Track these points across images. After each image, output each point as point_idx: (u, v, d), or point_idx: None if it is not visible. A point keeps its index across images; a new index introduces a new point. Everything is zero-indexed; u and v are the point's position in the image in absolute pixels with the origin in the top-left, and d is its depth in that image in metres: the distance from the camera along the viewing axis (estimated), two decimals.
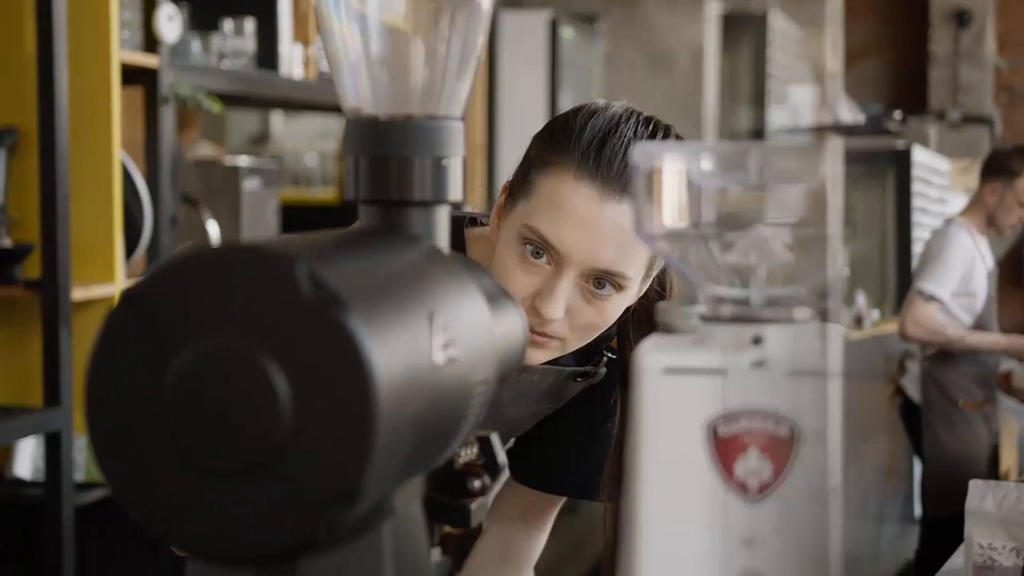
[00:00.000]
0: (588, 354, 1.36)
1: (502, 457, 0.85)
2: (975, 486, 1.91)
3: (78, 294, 2.51)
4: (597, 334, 1.27)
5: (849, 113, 5.89)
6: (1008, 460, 4.84)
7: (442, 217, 0.85)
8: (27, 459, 2.71)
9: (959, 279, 4.26)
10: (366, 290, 0.67)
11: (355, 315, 0.63)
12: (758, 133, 7.27)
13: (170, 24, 2.73)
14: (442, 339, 0.72)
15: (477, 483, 0.83)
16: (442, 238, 0.84)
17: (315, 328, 0.63)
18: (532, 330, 1.22)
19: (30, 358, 2.51)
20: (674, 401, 0.70)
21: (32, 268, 2.49)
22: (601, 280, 1.22)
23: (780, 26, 6.79)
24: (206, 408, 0.63)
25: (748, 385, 0.69)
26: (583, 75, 5.38)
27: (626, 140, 1.22)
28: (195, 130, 3.96)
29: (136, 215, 2.67)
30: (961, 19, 9.35)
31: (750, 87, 7.01)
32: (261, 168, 3.28)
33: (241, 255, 0.65)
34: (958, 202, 8.32)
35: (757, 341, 0.71)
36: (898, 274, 6.91)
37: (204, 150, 4.11)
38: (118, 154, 2.59)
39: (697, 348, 0.72)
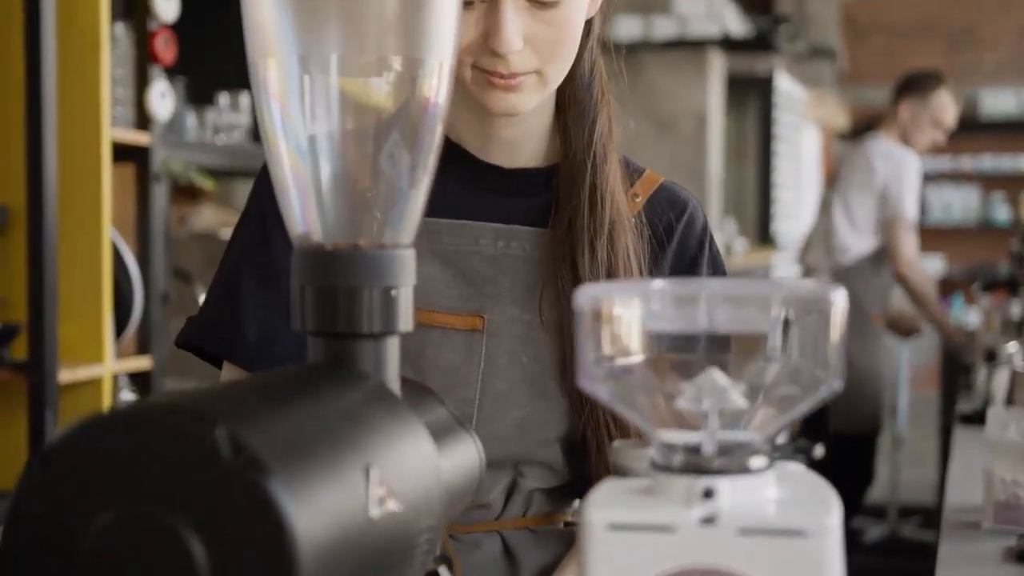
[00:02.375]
0: None
1: None
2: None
3: (65, 376, 2.48)
4: (570, 53, 1.20)
5: (737, 24, 5.87)
6: None
7: (392, 348, 0.82)
8: None
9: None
10: (294, 449, 0.64)
11: (277, 480, 0.60)
12: (764, 190, 7.32)
13: (163, 101, 2.73)
14: (380, 492, 0.69)
15: None
16: (391, 370, 0.82)
17: (235, 494, 0.60)
18: (500, 75, 1.16)
19: (15, 441, 2.48)
20: (621, 559, 0.67)
21: (19, 349, 2.47)
22: None
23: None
24: (123, 575, 0.61)
25: (699, 543, 0.66)
26: None
27: None
28: (204, 196, 3.95)
29: (126, 294, 2.65)
30: None
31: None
32: None
33: (160, 415, 0.62)
34: (812, 133, 8.46)
35: (708, 494, 0.67)
36: (759, 202, 7.03)
37: (210, 215, 4.10)
38: (108, 233, 2.57)
39: (646, 501, 0.69)
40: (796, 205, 8.08)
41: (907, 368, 5.96)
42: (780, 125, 7.22)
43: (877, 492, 6.04)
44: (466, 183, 1.27)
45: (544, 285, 1.24)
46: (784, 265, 7.50)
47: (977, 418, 2.88)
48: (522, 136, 1.27)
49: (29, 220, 2.45)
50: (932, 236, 10.03)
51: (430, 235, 1.24)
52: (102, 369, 2.59)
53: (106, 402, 2.60)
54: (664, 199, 1.31)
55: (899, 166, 4.43)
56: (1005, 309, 4.15)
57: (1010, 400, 2.80)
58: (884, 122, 4.62)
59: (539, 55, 1.17)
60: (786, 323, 0.69)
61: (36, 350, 2.42)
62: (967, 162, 9.90)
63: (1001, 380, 2.87)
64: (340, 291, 0.80)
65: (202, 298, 3.04)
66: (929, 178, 9.98)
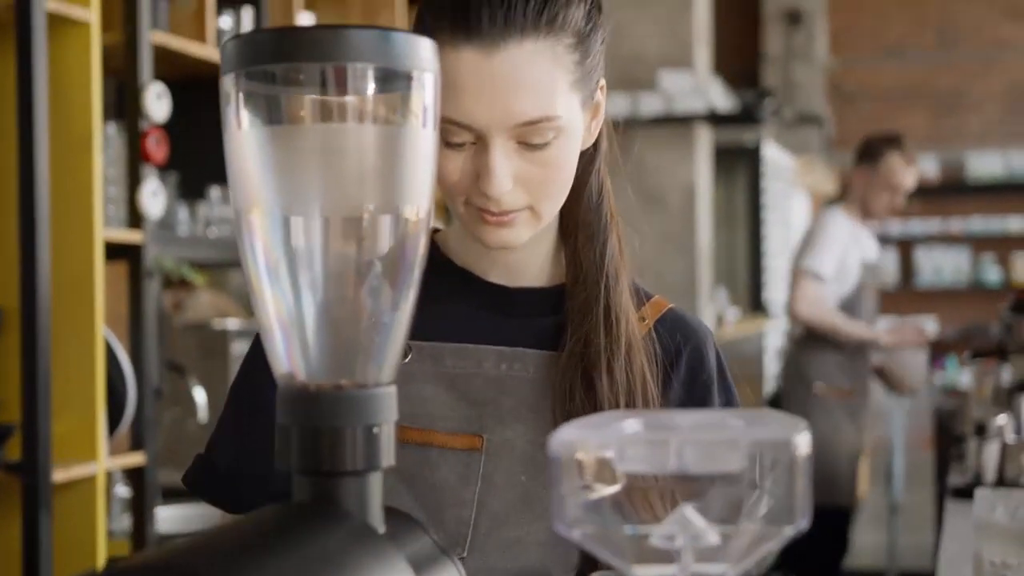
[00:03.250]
0: None
1: None
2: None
3: (60, 475, 2.49)
4: (562, 189, 1.19)
5: (723, 99, 5.91)
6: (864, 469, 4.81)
7: (375, 483, 0.84)
8: None
9: (836, 262, 4.39)
10: None
11: None
12: (754, 259, 7.37)
13: (154, 200, 2.77)
14: None
15: None
16: (374, 505, 0.84)
17: None
18: (492, 213, 1.16)
19: (10, 543, 2.49)
20: None
21: (13, 450, 2.49)
22: (532, 132, 1.13)
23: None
24: None
25: None
26: None
27: None
28: (198, 284, 3.97)
29: (120, 390, 2.67)
30: (793, 19, 9.52)
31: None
32: (251, 330, 3.29)
33: (143, 573, 0.64)
34: (801, 199, 8.54)
35: None
36: (750, 271, 7.08)
37: (206, 300, 4.12)
38: (101, 331, 2.60)
39: None
40: (787, 272, 8.12)
41: (902, 433, 5.97)
42: (769, 193, 7.29)
43: (875, 558, 6.03)
44: (471, 305, 1.27)
45: (556, 405, 1.22)
46: (775, 334, 7.53)
47: (968, 492, 2.88)
48: (525, 258, 1.28)
49: (23, 321, 2.48)
50: (923, 298, 10.09)
51: (435, 359, 1.24)
52: (96, 467, 2.60)
53: (100, 500, 2.61)
54: (671, 323, 1.30)
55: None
56: (997, 374, 4.17)
57: (1001, 474, 2.81)
58: (846, 198, 4.68)
59: (530, 193, 1.16)
60: (754, 466, 0.71)
61: (30, 451, 2.44)
62: (956, 224, 9.98)
63: (991, 453, 2.88)
64: (324, 431, 0.83)
65: (196, 390, 3.05)
66: (919, 240, 10.06)
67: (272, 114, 0.83)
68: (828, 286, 4.40)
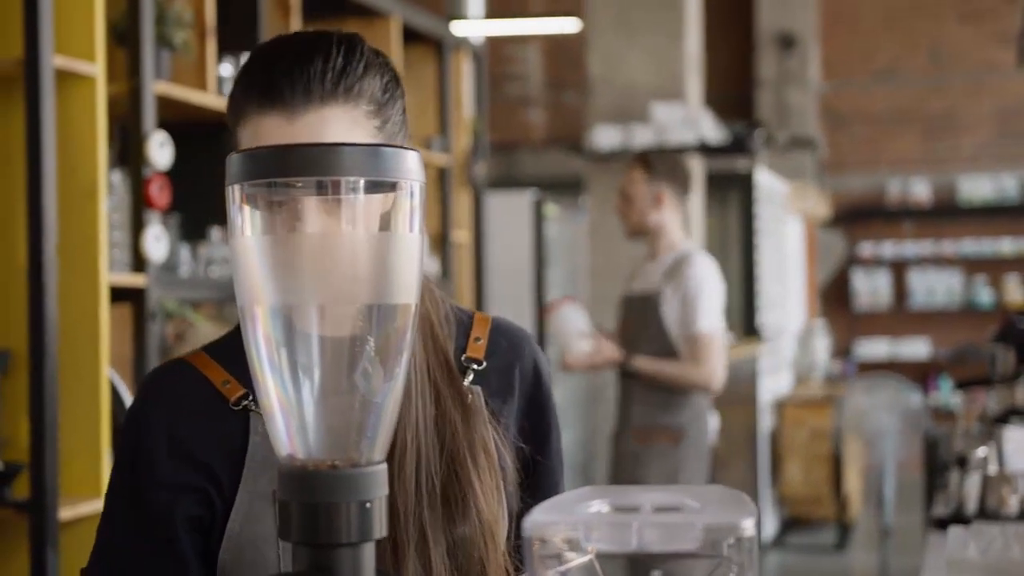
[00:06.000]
0: None
1: None
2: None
3: (66, 513, 2.57)
4: None
5: (713, 131, 5.92)
6: None
7: (368, 553, 0.93)
8: None
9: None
10: None
11: None
12: (748, 284, 7.45)
13: (157, 244, 2.86)
14: None
15: None
16: (367, 573, 0.92)
17: None
18: None
19: None
20: None
21: (21, 488, 2.57)
22: None
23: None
24: None
25: None
26: (568, 248, 5.51)
27: (287, 49, 1.24)
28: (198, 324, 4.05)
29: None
30: (785, 43, 9.61)
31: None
32: None
33: None
34: (795, 224, 8.63)
35: None
36: (744, 296, 7.17)
37: (207, 331, 4.18)
38: (106, 372, 2.68)
39: None
40: (781, 297, 8.21)
41: (893, 458, 6.05)
42: (762, 219, 7.38)
43: None
44: None
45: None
46: (769, 358, 7.60)
47: (950, 523, 2.94)
48: None
49: (31, 362, 2.56)
50: (916, 320, 10.19)
51: None
52: (100, 504, 2.68)
53: None
54: (500, 333, 1.38)
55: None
56: (985, 401, 4.23)
57: (983, 505, 2.88)
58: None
59: None
60: (709, 545, 0.80)
61: (38, 489, 2.52)
62: (948, 247, 10.07)
63: (972, 485, 2.94)
64: (320, 507, 0.91)
65: None
66: (912, 262, 10.15)
67: (272, 222, 0.92)
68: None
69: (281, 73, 1.22)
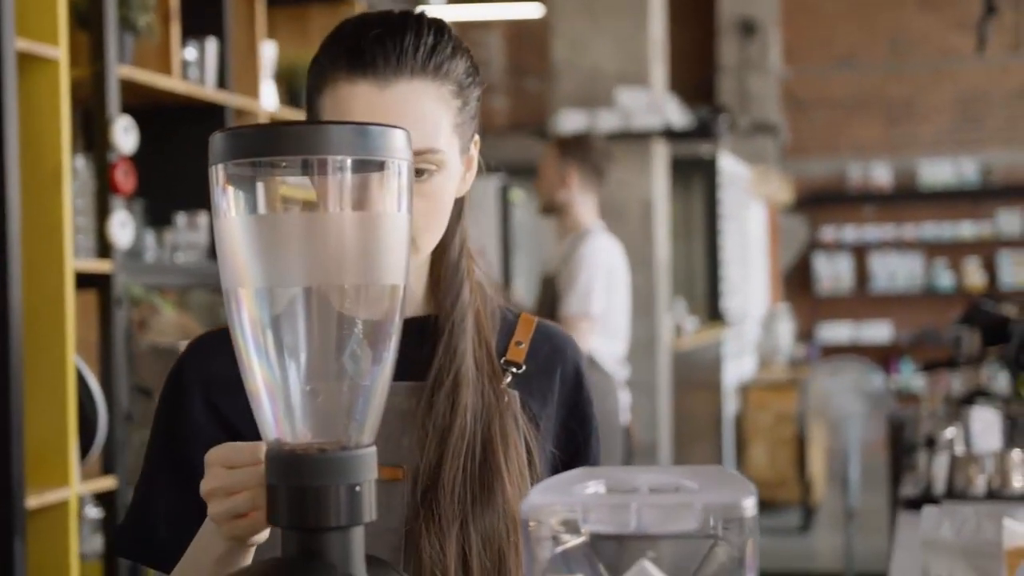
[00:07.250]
0: None
1: None
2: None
3: (33, 502, 2.54)
4: (441, 222, 1.26)
5: (678, 115, 5.95)
6: None
7: (357, 537, 0.91)
8: None
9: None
10: None
11: None
12: (711, 269, 7.48)
13: (123, 230, 2.82)
14: None
15: None
16: (357, 556, 0.91)
17: None
18: None
19: None
20: None
21: None
22: (416, 162, 1.19)
23: None
24: None
25: None
26: (534, 234, 5.50)
27: (380, 20, 1.25)
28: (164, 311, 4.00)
29: (91, 416, 2.72)
30: (747, 29, 9.66)
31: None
32: None
33: None
34: (758, 208, 8.68)
35: None
36: (708, 280, 7.22)
37: (171, 317, 4.14)
38: (72, 359, 2.65)
39: None
40: (744, 281, 8.25)
41: (858, 440, 6.08)
42: (725, 204, 7.41)
43: (832, 561, 6.15)
44: None
45: (418, 436, 1.27)
46: (733, 342, 7.63)
47: (919, 503, 2.96)
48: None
49: None
50: (878, 303, 10.25)
51: None
52: (68, 492, 2.65)
53: (73, 524, 2.66)
54: (544, 338, 1.37)
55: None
56: (948, 384, 4.25)
57: (950, 485, 2.90)
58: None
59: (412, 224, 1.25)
60: (707, 525, 0.79)
61: (4, 478, 2.48)
62: (909, 231, 10.14)
63: (941, 466, 2.95)
64: (309, 490, 0.90)
65: None
66: (873, 247, 10.22)
67: (257, 202, 0.90)
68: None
69: (374, 42, 1.22)
